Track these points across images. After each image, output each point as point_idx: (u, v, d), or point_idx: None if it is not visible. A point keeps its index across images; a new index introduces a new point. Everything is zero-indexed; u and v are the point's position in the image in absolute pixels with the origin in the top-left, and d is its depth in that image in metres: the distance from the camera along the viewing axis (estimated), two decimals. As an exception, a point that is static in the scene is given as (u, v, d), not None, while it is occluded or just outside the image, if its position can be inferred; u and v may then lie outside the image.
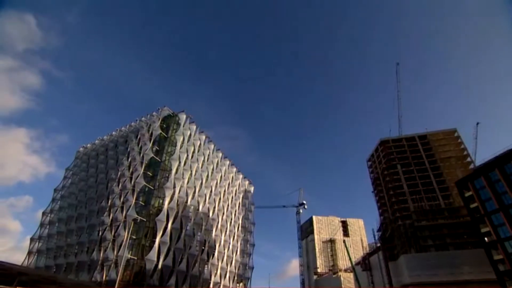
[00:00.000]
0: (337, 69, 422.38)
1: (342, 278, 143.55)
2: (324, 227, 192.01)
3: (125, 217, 60.90)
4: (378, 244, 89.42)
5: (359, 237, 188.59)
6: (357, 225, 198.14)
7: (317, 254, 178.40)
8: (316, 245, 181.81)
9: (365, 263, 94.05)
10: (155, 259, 58.48)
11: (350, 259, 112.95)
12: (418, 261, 68.94)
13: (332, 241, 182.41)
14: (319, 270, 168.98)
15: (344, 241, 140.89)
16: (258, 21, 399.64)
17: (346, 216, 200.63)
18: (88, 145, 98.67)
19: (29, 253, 78.90)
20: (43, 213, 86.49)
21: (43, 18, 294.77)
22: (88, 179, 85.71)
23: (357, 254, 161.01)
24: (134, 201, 62.67)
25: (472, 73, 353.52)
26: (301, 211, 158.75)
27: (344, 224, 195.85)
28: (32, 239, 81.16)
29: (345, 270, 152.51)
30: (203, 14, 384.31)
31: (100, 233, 64.19)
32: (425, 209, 78.80)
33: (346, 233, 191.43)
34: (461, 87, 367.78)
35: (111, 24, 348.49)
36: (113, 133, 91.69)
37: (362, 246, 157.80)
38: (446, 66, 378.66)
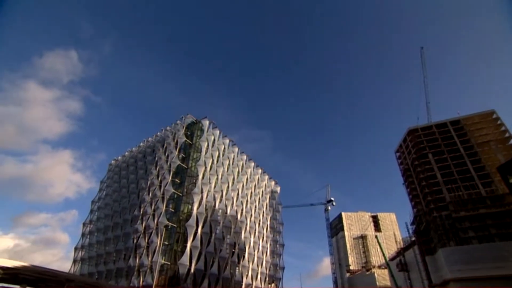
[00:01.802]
0: (357, 60, 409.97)
1: (376, 275, 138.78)
2: (354, 223, 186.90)
3: (157, 224, 63.33)
4: (413, 238, 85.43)
5: (392, 232, 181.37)
6: (388, 219, 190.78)
7: (349, 251, 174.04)
8: (347, 242, 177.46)
9: (401, 263, 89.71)
10: (188, 263, 60.25)
11: (383, 255, 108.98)
12: (459, 254, 64.93)
13: (363, 237, 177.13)
14: (351, 268, 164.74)
15: (376, 237, 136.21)
16: (274, 20, 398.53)
17: (376, 211, 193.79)
18: (119, 157, 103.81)
19: (74, 261, 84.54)
20: (83, 224, 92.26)
21: (83, 52, 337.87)
22: (120, 190, 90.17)
23: (391, 249, 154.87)
24: (164, 208, 65.00)
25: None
26: (329, 208, 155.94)
27: (375, 219, 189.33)
28: (76, 249, 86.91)
29: (379, 267, 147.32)
30: (222, 18, 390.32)
31: (134, 241, 67.28)
32: (463, 198, 74.03)
33: (377, 228, 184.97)
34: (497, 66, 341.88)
35: (138, 44, 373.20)
36: (141, 144, 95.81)
37: (396, 241, 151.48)
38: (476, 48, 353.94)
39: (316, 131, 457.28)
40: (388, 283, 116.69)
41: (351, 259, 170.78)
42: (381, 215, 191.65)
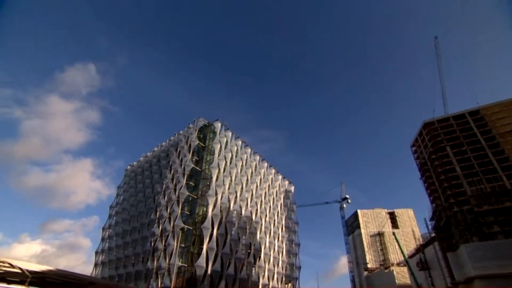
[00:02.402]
0: (369, 54, 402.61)
1: (395, 273, 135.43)
2: (371, 220, 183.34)
3: (173, 227, 64.19)
4: (433, 234, 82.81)
5: (410, 228, 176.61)
6: (406, 216, 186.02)
7: (366, 249, 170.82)
8: (364, 239, 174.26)
9: (421, 261, 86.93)
10: (204, 265, 60.73)
11: (402, 252, 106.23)
12: (483, 250, 62.39)
13: (380, 235, 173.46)
14: (369, 266, 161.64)
15: (393, 233, 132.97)
16: (286, 19, 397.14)
17: (393, 207, 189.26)
18: (134, 163, 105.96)
19: (95, 265, 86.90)
20: (103, 229, 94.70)
21: (100, 63, 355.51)
22: (137, 195, 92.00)
23: (409, 246, 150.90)
24: (180, 211, 65.80)
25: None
26: (344, 206, 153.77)
27: (392, 216, 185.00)
28: (96, 253, 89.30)
29: (398, 264, 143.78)
30: (234, 21, 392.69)
31: (152, 244, 68.44)
32: (485, 192, 71.06)
33: (394, 224, 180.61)
34: None
35: (151, 53, 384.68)
36: (155, 149, 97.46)
37: (414, 237, 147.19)
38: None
39: (328, 128, 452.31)
40: (408, 281, 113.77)
41: (368, 257, 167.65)
42: (398, 212, 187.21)
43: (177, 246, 60.14)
